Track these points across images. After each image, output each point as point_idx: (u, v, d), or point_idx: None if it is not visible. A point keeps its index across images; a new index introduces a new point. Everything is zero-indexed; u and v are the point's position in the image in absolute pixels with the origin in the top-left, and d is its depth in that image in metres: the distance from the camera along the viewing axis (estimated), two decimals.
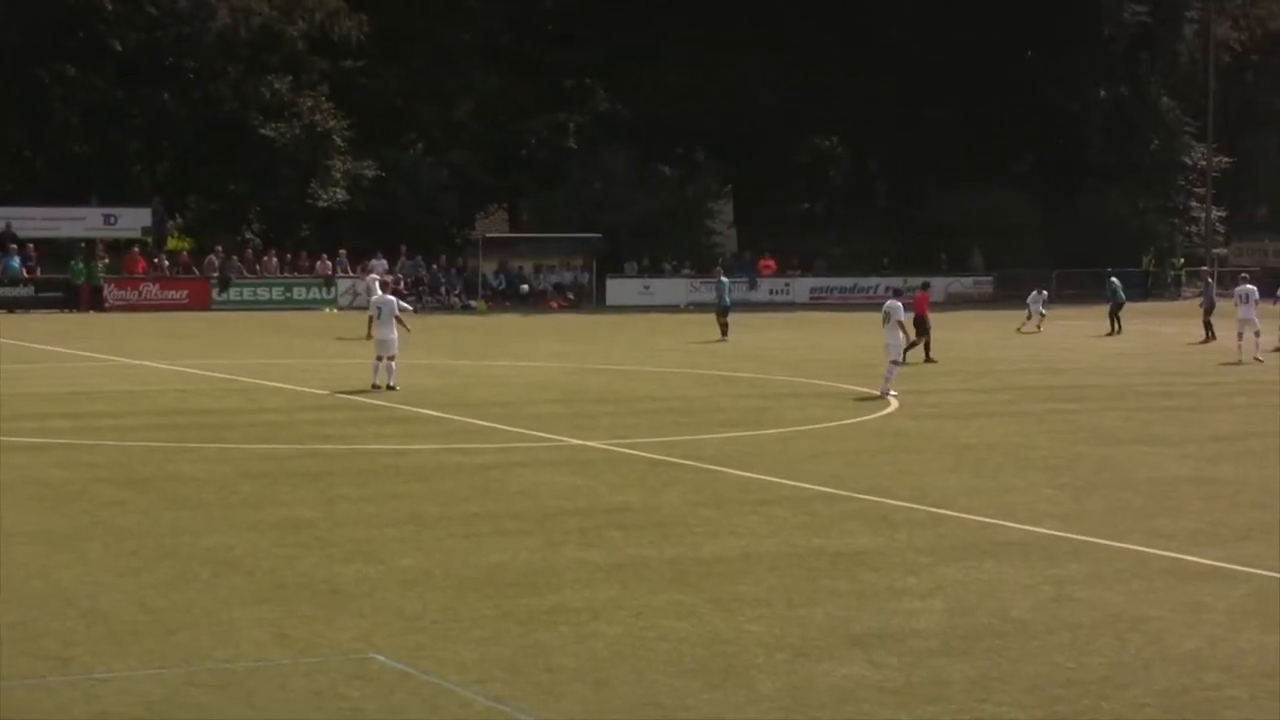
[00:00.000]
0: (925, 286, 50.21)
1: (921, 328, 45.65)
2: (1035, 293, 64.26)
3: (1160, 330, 63.27)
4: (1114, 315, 61.62)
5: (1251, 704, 13.45)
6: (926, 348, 45.85)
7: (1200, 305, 59.59)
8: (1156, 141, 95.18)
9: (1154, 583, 17.95)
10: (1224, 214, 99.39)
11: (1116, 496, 23.84)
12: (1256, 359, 47.64)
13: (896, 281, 58.57)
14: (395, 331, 37.55)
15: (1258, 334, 49.15)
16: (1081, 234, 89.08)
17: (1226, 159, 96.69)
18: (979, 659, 14.72)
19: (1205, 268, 72.44)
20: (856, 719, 13.01)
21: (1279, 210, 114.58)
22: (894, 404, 35.73)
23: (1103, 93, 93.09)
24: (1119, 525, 21.39)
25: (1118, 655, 14.90)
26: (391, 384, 36.75)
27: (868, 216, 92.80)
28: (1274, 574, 18.41)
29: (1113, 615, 16.39)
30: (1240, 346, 49.05)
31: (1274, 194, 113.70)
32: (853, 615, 16.32)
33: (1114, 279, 63.06)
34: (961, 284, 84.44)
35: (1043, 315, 62.26)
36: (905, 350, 39.45)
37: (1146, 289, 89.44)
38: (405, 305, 39.98)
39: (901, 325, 37.95)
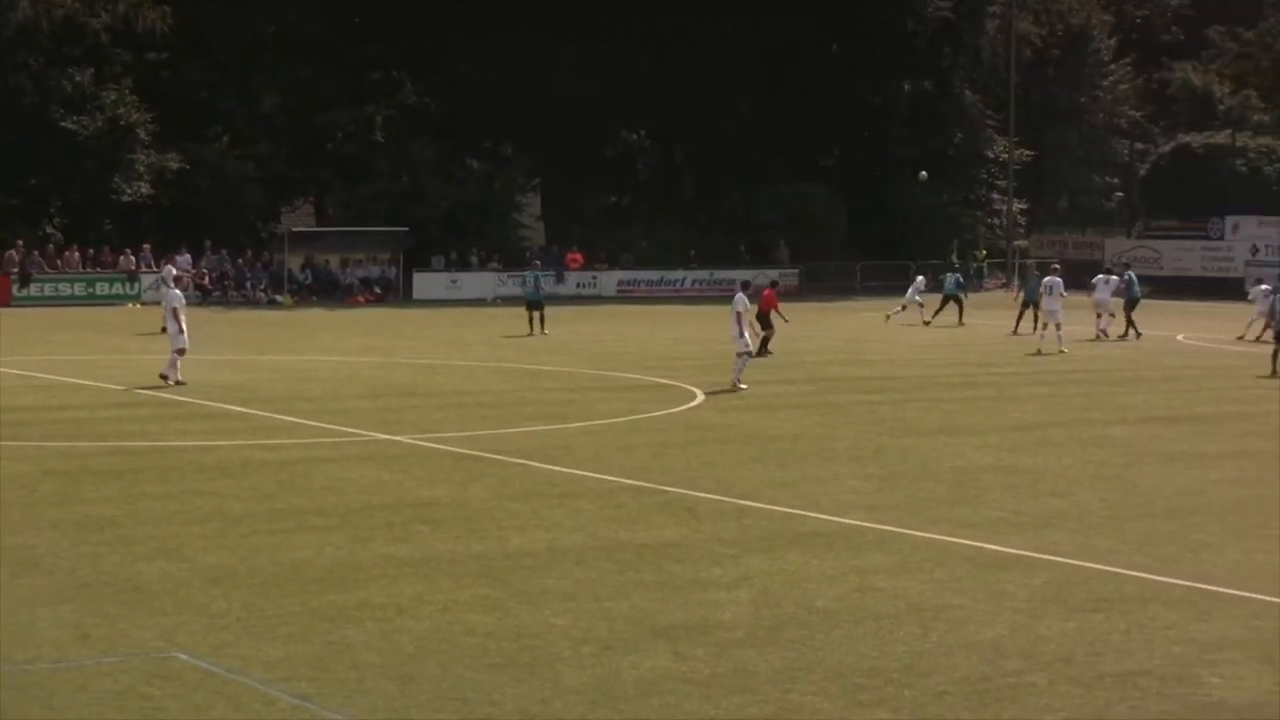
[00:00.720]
0: (774, 284, 50.45)
1: (764, 323, 45.92)
2: (917, 279, 64.67)
3: (970, 322, 64.06)
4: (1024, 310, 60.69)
5: (1050, 690, 13.69)
6: (764, 343, 46.04)
7: (1016, 298, 60.43)
8: (960, 135, 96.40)
9: (956, 571, 18.21)
10: (1025, 206, 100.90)
11: (920, 486, 24.15)
12: (1061, 351, 48.38)
13: (749, 274, 58.74)
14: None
15: (1059, 326, 49.89)
16: (886, 227, 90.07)
17: (1028, 152, 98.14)
18: (784, 649, 14.85)
19: (1030, 260, 72.89)
20: (662, 711, 13.08)
21: (1079, 203, 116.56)
22: (700, 396, 35.93)
23: (907, 86, 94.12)
24: (922, 515, 21.68)
25: (920, 644, 15.10)
26: (178, 379, 36.60)
27: (675, 210, 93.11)
28: (1073, 561, 18.75)
29: (916, 604, 16.61)
30: (1043, 336, 49.93)
31: (1074, 187, 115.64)
32: (659, 607, 16.39)
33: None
34: (767, 277, 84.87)
35: (920, 305, 62.06)
36: (762, 342, 40.15)
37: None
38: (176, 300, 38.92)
39: (740, 318, 37.99)
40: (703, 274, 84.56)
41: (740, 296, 38.63)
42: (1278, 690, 13.73)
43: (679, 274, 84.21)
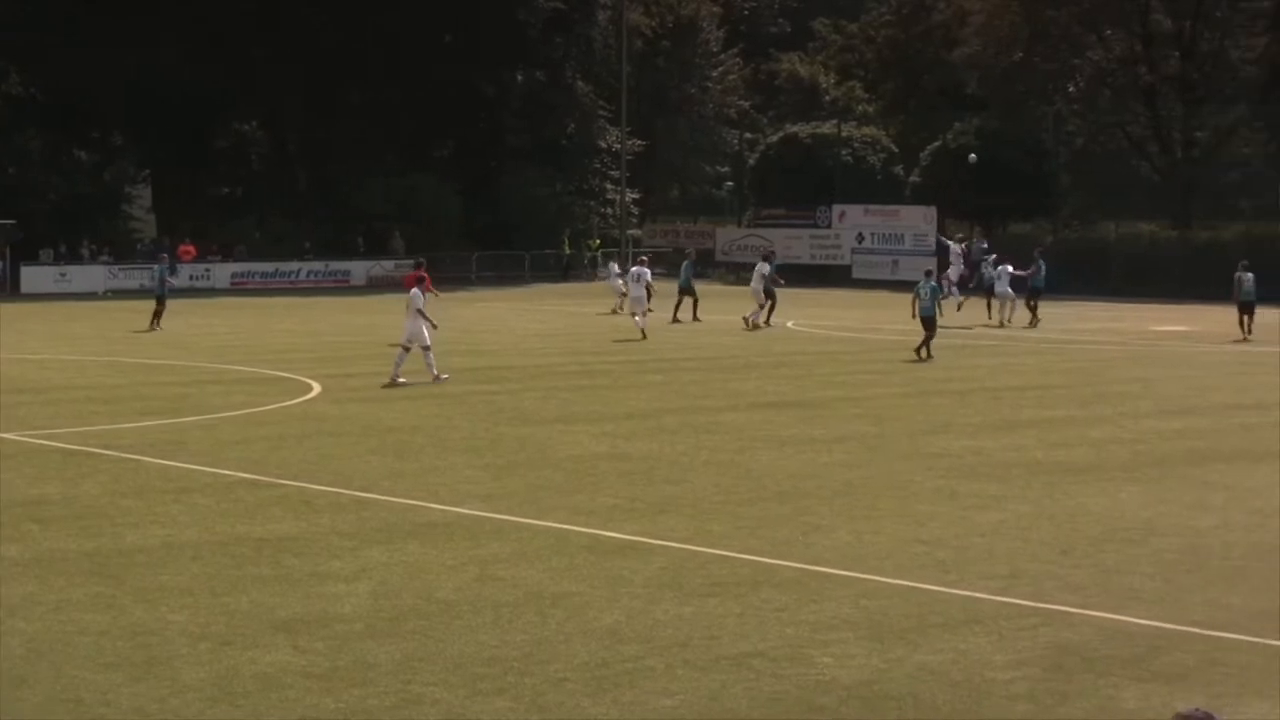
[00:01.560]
0: (419, 265, 50.54)
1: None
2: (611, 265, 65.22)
3: (580, 311, 64.67)
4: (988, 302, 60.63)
5: (668, 673, 13.92)
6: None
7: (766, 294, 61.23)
8: (573, 125, 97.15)
9: (574, 559, 18.40)
10: (638, 196, 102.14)
11: (537, 475, 24.32)
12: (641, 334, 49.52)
13: (366, 265, 58.21)
14: None
15: (646, 312, 51.18)
16: (501, 217, 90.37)
17: (640, 142, 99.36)
18: (404, 640, 14.85)
19: (690, 249, 73.50)
20: (282, 705, 12.98)
21: (690, 192, 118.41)
22: (317, 387, 35.66)
23: (519, 77, 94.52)
24: (540, 503, 21.85)
25: (539, 631, 15.23)
26: None
27: (288, 201, 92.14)
28: (688, 546, 19.08)
29: (534, 592, 16.75)
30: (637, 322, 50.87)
31: (685, 176, 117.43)
32: (278, 601, 16.27)
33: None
34: (383, 267, 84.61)
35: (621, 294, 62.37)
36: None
37: (564, 271, 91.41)
38: None
39: (422, 313, 37.73)
40: (318, 265, 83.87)
41: (417, 291, 38.42)
42: (886, 667, 14.17)
43: (294, 265, 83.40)
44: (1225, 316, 56.41)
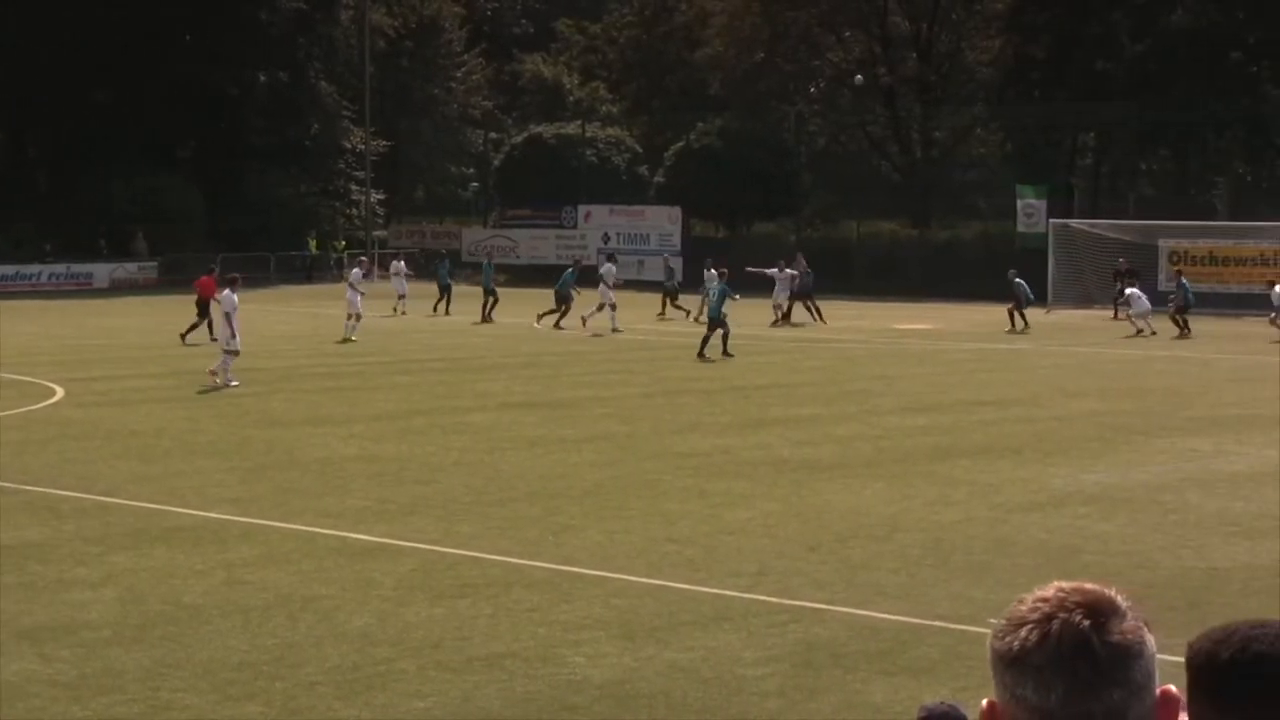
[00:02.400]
0: (210, 271, 50.50)
1: (203, 311, 47.41)
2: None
3: (326, 312, 64.11)
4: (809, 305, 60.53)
5: (419, 675, 13.90)
6: (209, 327, 47.17)
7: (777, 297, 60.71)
8: (317, 125, 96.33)
9: (324, 562, 18.29)
10: (383, 196, 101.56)
11: (285, 478, 24.14)
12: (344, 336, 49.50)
13: (109, 268, 57.21)
14: None
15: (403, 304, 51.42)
16: (246, 218, 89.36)
17: (384, 143, 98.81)
18: (153, 646, 14.66)
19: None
20: (29, 715, 12.76)
21: (435, 192, 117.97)
22: (60, 392, 35.01)
23: (262, 77, 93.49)
24: (288, 506, 21.68)
25: (290, 635, 15.13)
26: None
27: (28, 203, 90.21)
28: (439, 548, 19.06)
29: (284, 596, 16.62)
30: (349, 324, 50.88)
31: (430, 177, 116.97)
32: (23, 609, 15.96)
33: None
34: (126, 270, 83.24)
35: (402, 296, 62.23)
36: (186, 332, 39.74)
37: (310, 272, 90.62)
38: None
39: (228, 318, 37.41)
40: (60, 268, 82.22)
41: (228, 294, 38.06)
42: (638, 666, 14.27)
43: (34, 269, 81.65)
44: (965, 315, 57.68)
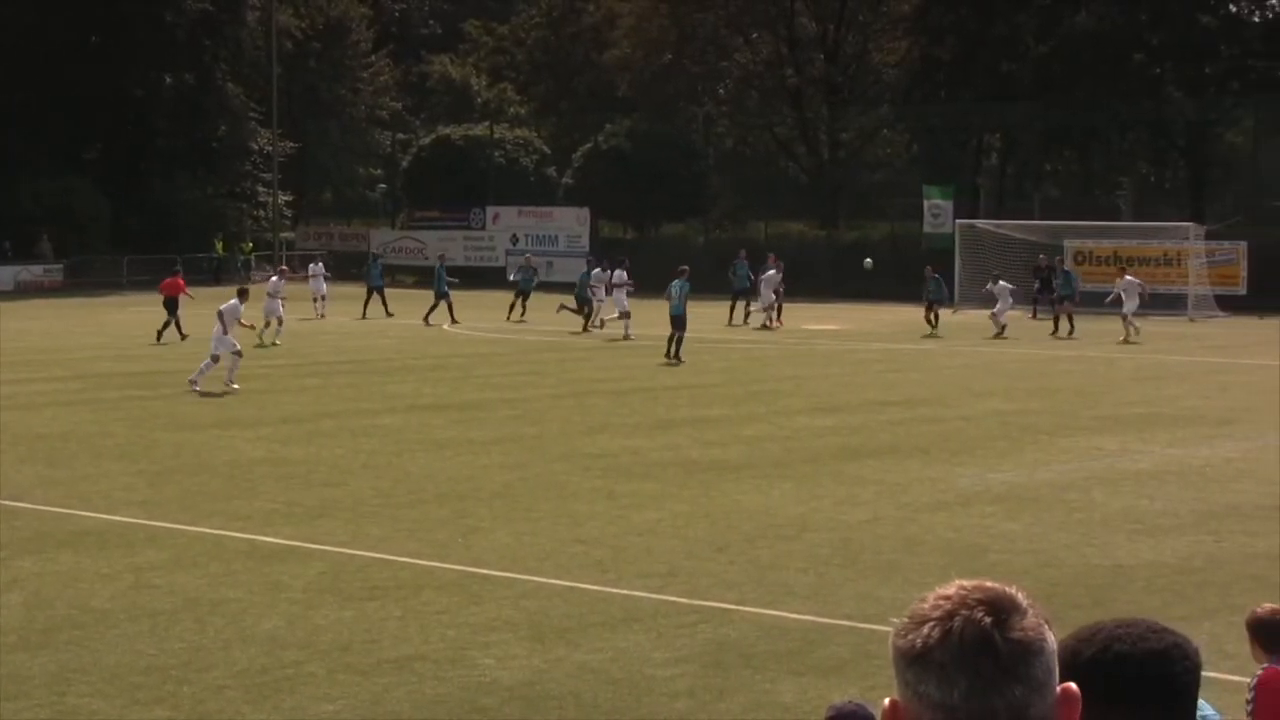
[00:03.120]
0: (175, 272, 51.15)
1: (171, 310, 50.02)
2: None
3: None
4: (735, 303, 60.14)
5: (329, 679, 13.87)
6: (177, 326, 49.69)
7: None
8: (224, 127, 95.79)
9: (232, 565, 18.21)
10: (290, 198, 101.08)
11: (193, 481, 24.00)
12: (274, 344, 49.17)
13: (35, 270, 56.79)
14: None
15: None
16: (152, 220, 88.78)
17: (292, 144, 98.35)
18: (59, 651, 14.56)
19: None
20: None
21: (343, 194, 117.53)
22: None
23: (168, 79, 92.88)
24: (196, 509, 21.57)
25: (198, 639, 15.06)
26: None
27: None
28: (348, 550, 19.01)
29: (192, 599, 16.54)
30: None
31: (338, 178, 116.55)
32: None
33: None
34: (31, 273, 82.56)
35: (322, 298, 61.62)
36: (160, 331, 43.65)
37: (217, 274, 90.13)
38: None
39: (223, 318, 37.63)
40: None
41: (234, 304, 38.39)
42: (547, 667, 14.28)
43: None
44: (873, 315, 57.95)
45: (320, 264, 65.84)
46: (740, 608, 16.37)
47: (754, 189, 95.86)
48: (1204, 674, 3.82)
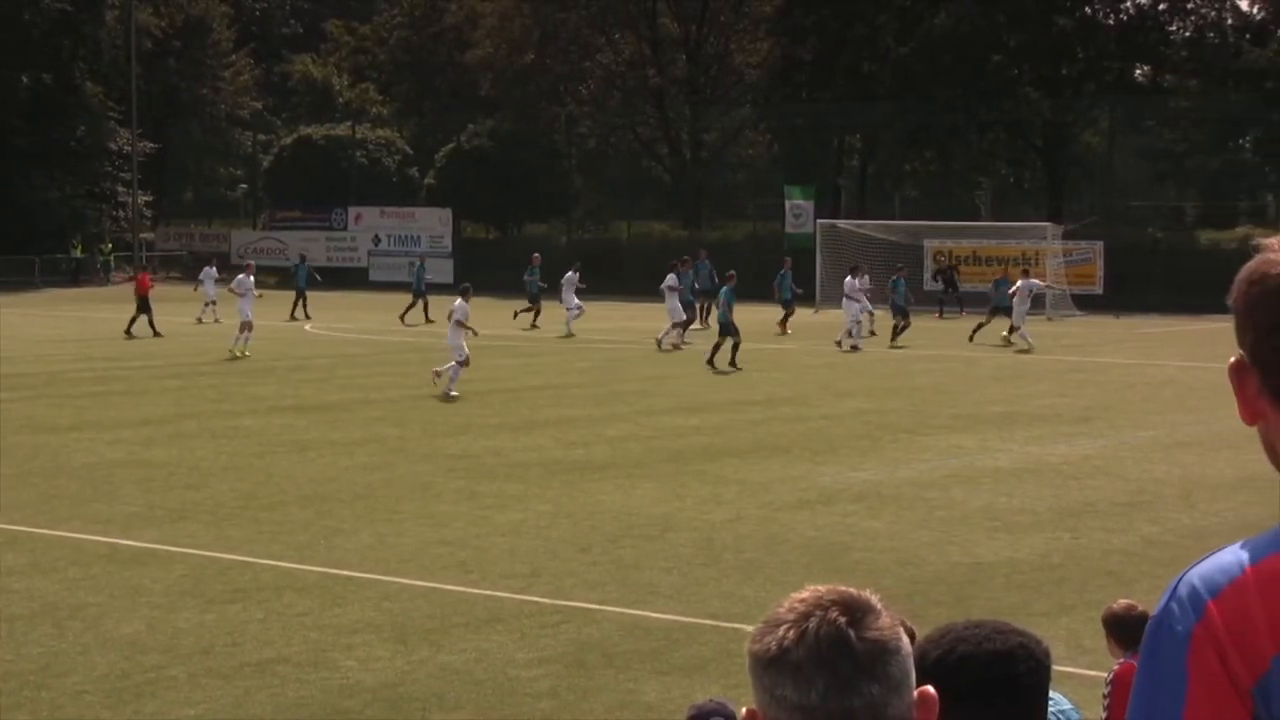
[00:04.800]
0: (144, 269, 51.99)
1: (142, 306, 51.87)
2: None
3: (94, 315, 63.10)
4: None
5: (190, 682, 13.74)
6: (150, 322, 51.79)
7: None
8: (82, 128, 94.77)
9: (91, 569, 18.01)
10: (150, 199, 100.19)
11: (51, 484, 23.71)
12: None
13: None
14: None
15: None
16: (8, 221, 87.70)
17: (152, 144, 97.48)
18: None
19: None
20: None
21: (204, 194, 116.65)
22: None
23: (25, 79, 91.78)
24: (55, 513, 21.31)
25: (56, 644, 14.88)
26: None
27: None
28: (209, 553, 18.85)
29: (50, 604, 16.35)
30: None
31: (198, 178, 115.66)
32: None
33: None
34: None
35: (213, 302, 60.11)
36: (129, 326, 45.88)
37: (75, 275, 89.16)
38: None
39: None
40: None
41: (461, 304, 37.26)
42: (410, 669, 14.23)
43: None
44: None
45: (213, 267, 64.20)
46: (604, 607, 16.39)
47: (617, 189, 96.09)
48: (1062, 669, 3.87)
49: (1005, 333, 49.44)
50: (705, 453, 27.21)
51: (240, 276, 49.37)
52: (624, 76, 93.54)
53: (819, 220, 74.05)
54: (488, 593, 17.01)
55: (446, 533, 20.18)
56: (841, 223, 74.18)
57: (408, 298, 61.43)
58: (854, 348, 48.04)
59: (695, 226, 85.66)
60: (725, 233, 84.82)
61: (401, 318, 58.54)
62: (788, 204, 79.96)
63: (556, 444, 28.08)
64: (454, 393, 35.13)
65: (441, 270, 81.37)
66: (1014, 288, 50.36)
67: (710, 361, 42.49)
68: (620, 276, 76.90)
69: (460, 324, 36.90)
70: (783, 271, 58.06)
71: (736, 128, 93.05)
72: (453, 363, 36.03)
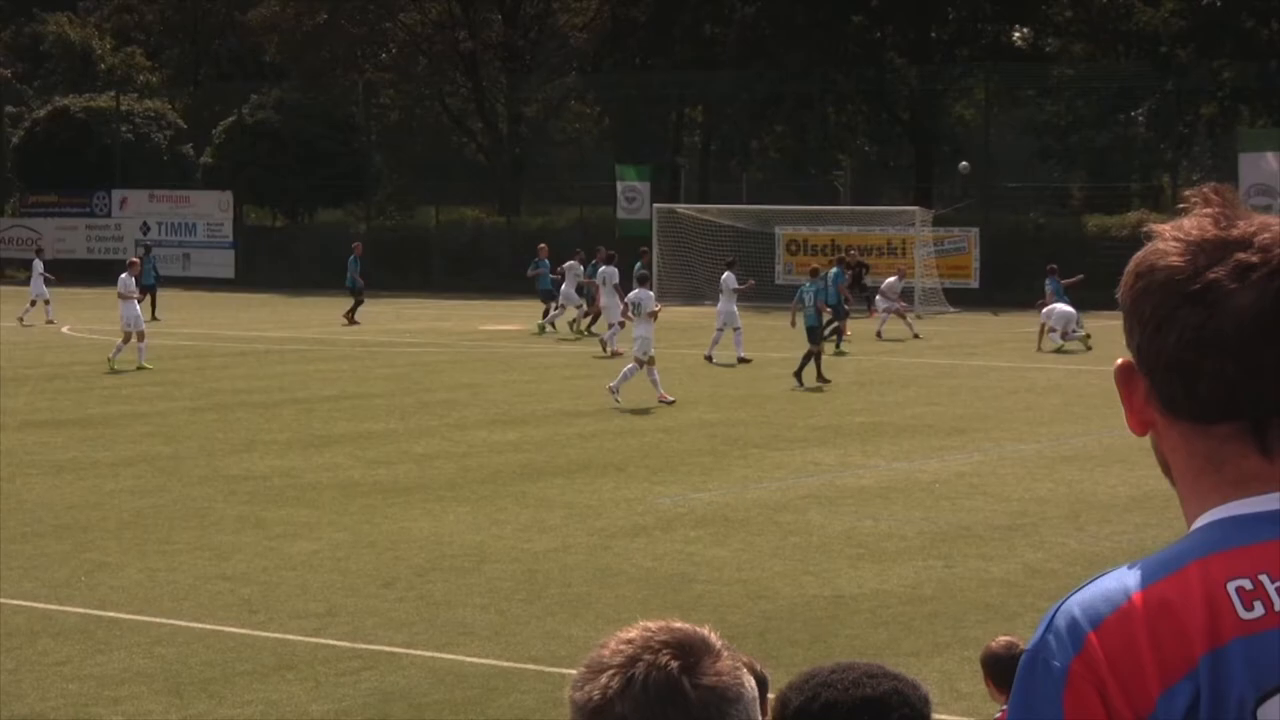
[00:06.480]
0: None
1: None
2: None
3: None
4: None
5: None
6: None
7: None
8: None
9: None
10: None
11: None
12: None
13: None
14: None
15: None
16: None
17: None
18: None
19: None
20: None
21: None
22: None
23: None
24: None
25: None
26: None
27: None
28: None
29: None
30: None
31: None
32: None
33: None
34: None
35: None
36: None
37: None
38: None
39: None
40: None
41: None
42: None
43: None
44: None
45: (40, 261, 62.88)
46: (410, 651, 16.33)
47: (423, 170, 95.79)
48: (935, 717, 3.89)
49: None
50: (526, 471, 27.19)
51: (123, 276, 46.93)
52: (431, 40, 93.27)
53: (655, 205, 74.15)
54: (276, 635, 16.90)
55: (228, 566, 20.03)
56: (681, 207, 74.44)
57: (181, 294, 60.91)
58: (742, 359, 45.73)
59: (513, 212, 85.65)
60: (548, 219, 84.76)
61: (348, 316, 57.73)
62: (620, 186, 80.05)
63: (355, 463, 27.96)
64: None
65: (221, 263, 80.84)
66: (884, 284, 51.10)
67: (802, 375, 39.99)
68: (428, 270, 76.76)
69: (653, 314, 37.53)
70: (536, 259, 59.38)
71: (560, 99, 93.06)
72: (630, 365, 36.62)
